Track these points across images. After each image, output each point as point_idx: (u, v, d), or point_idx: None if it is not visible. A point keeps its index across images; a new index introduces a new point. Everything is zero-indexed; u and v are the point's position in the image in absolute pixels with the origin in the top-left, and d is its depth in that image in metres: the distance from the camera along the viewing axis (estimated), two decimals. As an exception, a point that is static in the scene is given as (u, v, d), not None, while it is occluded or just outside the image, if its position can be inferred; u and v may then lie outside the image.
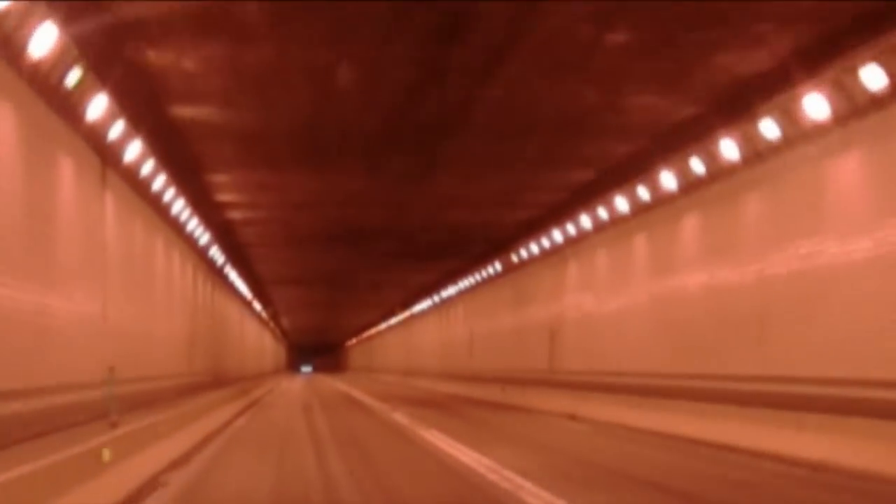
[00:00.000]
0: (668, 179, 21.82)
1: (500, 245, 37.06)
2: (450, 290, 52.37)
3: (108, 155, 17.44)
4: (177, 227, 26.37)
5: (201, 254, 32.70)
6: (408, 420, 26.64)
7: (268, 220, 32.09)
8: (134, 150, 18.23)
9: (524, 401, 33.59)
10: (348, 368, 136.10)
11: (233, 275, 43.44)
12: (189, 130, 20.10)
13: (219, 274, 39.81)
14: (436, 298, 57.37)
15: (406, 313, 70.61)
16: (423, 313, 63.86)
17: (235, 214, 30.37)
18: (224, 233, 32.64)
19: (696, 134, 19.69)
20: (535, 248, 34.03)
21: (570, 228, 29.50)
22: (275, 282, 54.84)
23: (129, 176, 19.26)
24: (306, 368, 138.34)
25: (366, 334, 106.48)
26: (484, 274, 43.11)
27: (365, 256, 42.28)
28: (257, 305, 63.26)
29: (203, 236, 30.54)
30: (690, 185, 21.32)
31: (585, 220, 27.92)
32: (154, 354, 24.45)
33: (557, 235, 30.94)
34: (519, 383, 36.71)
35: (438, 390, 50.73)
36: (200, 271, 33.81)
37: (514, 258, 36.97)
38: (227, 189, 26.29)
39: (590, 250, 28.87)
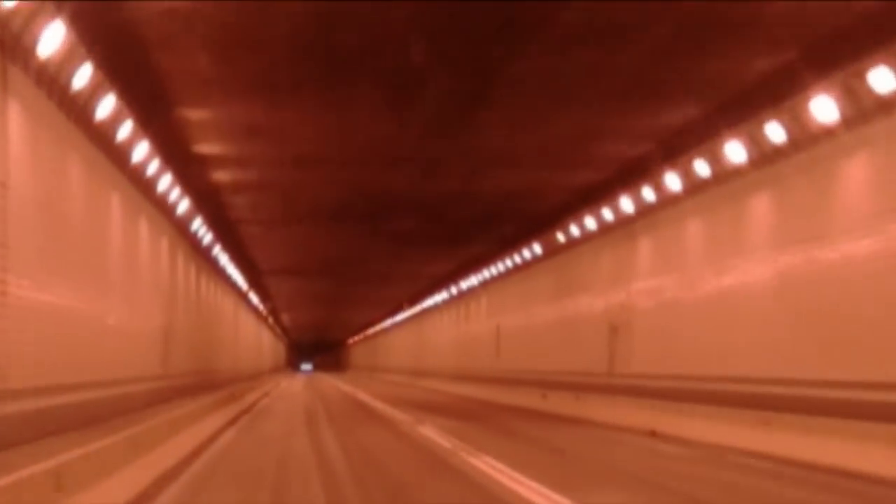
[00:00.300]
0: (824, 106, 15.48)
1: (541, 222, 30.74)
2: (471, 281, 46.09)
3: (8, 42, 11.16)
4: (143, 183, 20.07)
5: (181, 227, 26.40)
6: (444, 438, 20.35)
7: (261, 186, 25.78)
8: (54, 37, 11.90)
9: (577, 410, 27.28)
10: (349, 367, 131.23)
11: (223, 259, 37.13)
12: (149, 28, 13.84)
13: (206, 256, 33.51)
14: (453, 290, 51.04)
15: (416, 308, 64.34)
16: (436, 308, 57.52)
17: (221, 175, 24.04)
18: (208, 201, 26.30)
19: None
20: (590, 223, 27.71)
21: (648, 193, 23.19)
22: (272, 272, 48.56)
23: (53, 85, 12.94)
24: (306, 367, 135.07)
25: (369, 331, 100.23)
26: (517, 259, 36.81)
27: (377, 239, 36.04)
28: (254, 298, 57.00)
29: (181, 202, 24.24)
30: (857, 115, 15.04)
31: (673, 180, 21.60)
32: (108, 352, 18.16)
33: (626, 204, 24.64)
34: (565, 388, 30.45)
35: (458, 394, 44.42)
36: (181, 250, 27.51)
37: (560, 237, 30.66)
38: (206, 133, 19.95)
39: (675, 220, 22.56)
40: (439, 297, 55.02)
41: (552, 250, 32.29)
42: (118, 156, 17.57)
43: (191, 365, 30.78)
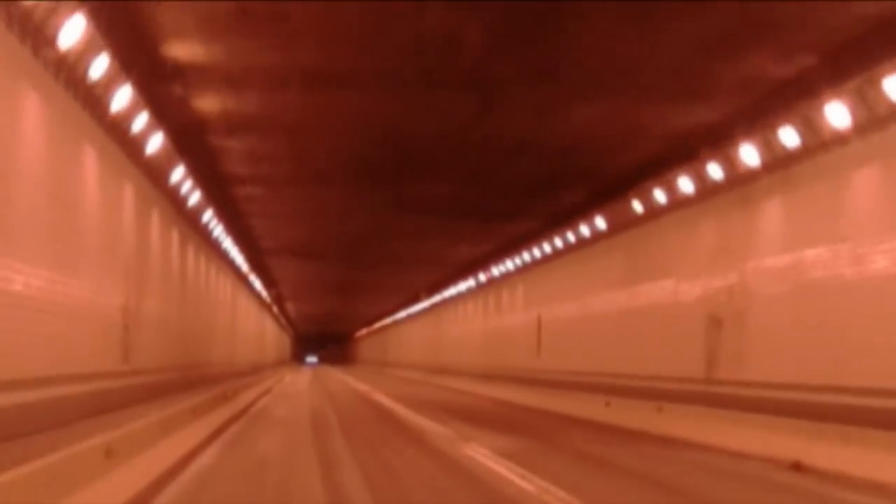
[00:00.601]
0: None
1: (613, 186, 24.51)
2: (505, 266, 39.94)
3: None
4: (92, 99, 13.89)
5: (155, 175, 20.23)
6: (509, 468, 14.15)
7: (261, 122, 19.55)
8: None
9: (662, 426, 21.02)
10: (357, 361, 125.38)
11: (218, 230, 30.99)
12: None
13: (194, 222, 27.37)
14: (480, 277, 44.88)
15: (435, 297, 58.18)
16: (459, 297, 51.30)
17: (206, 102, 17.79)
18: (191, 140, 20.05)
19: None
20: (685, 185, 21.49)
21: (789, 136, 16.93)
22: (276, 252, 42.37)
23: None
24: (311, 359, 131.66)
25: (379, 324, 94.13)
26: (570, 238, 30.59)
27: (401, 210, 29.92)
28: (256, 283, 50.86)
29: (153, 137, 18.03)
30: None
31: (838, 111, 15.34)
32: (22, 337, 12.04)
33: (748, 154, 18.39)
34: (635, 395, 24.28)
35: (489, 396, 38.21)
36: (155, 207, 21.36)
37: (637, 206, 24.43)
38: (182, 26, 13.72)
39: (830, 172, 16.32)
40: (463, 284, 48.85)
41: (622, 223, 26.05)
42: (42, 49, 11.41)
43: (172, 358, 24.74)
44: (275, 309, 71.14)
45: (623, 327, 26.51)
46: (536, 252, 34.74)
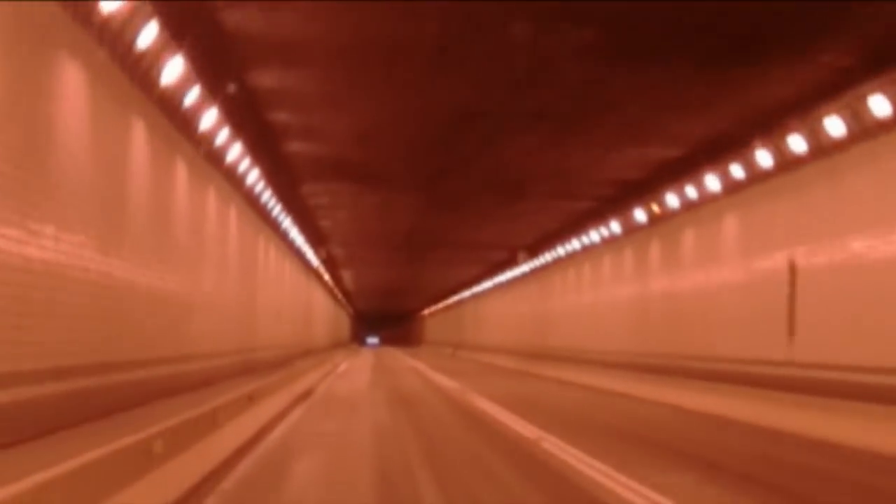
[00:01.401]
0: None
1: None
2: (671, 202, 25.14)
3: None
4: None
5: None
6: None
7: None
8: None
9: None
10: (423, 342, 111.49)
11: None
12: None
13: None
14: (635, 217, 30.06)
15: (540, 259, 43.44)
16: (589, 251, 36.34)
17: None
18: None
19: None
20: None
21: None
22: (318, 173, 27.88)
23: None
24: (373, 340, 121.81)
25: (452, 299, 79.67)
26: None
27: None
28: (296, 235, 36.40)
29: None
30: None
31: None
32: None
33: None
34: None
35: (661, 401, 23.44)
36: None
37: None
38: None
39: None
40: (595, 233, 34.01)
41: None
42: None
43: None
44: (327, 278, 56.75)
45: None
46: (763, 158, 19.83)
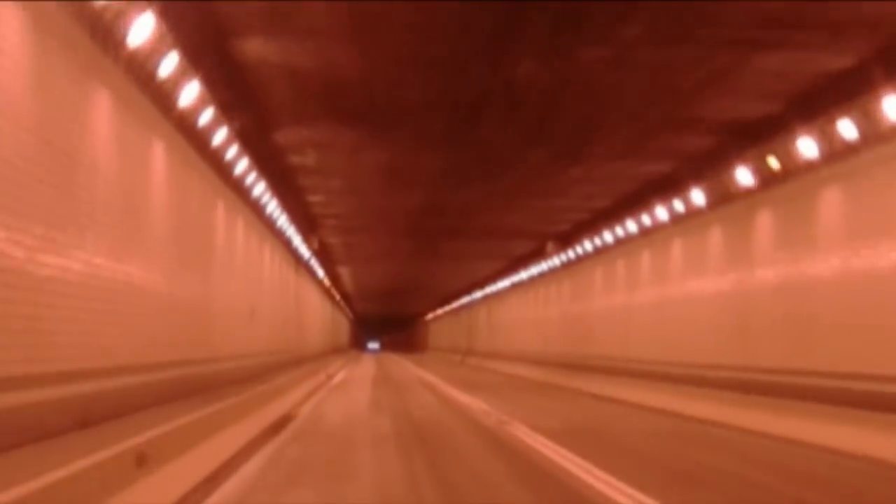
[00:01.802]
0: None
1: None
2: (803, 147, 17.56)
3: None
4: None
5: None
6: None
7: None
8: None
9: None
10: (427, 348, 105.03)
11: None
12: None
13: None
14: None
15: (571, 252, 35.88)
16: (643, 238, 28.75)
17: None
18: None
19: None
20: None
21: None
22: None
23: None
24: (373, 345, 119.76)
25: (463, 300, 72.10)
26: None
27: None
28: (284, 221, 28.84)
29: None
30: None
31: None
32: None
33: None
34: None
35: (773, 433, 15.98)
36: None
37: None
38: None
39: None
40: (650, 214, 26.56)
41: None
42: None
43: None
44: (322, 275, 49.18)
45: None
46: None
